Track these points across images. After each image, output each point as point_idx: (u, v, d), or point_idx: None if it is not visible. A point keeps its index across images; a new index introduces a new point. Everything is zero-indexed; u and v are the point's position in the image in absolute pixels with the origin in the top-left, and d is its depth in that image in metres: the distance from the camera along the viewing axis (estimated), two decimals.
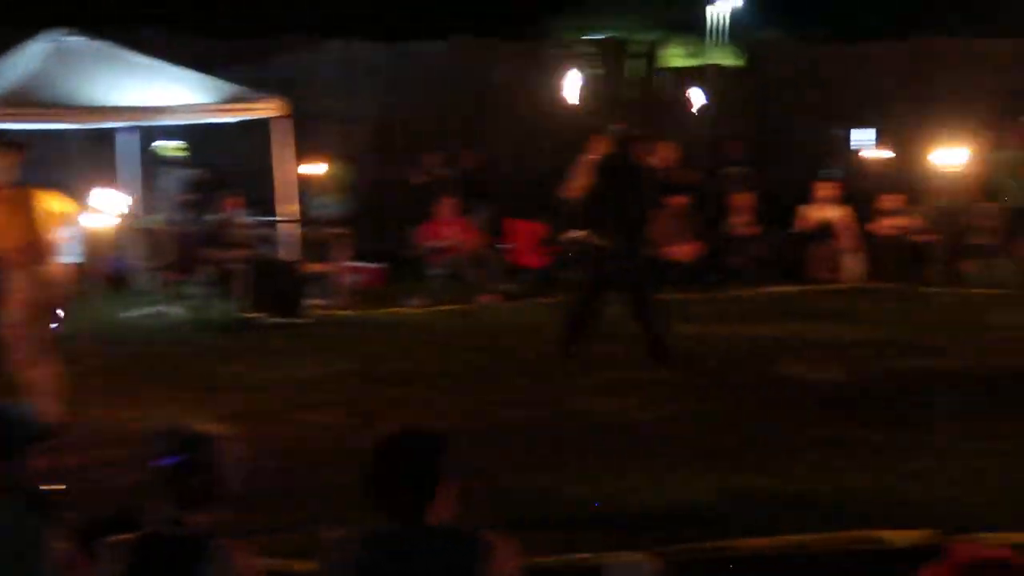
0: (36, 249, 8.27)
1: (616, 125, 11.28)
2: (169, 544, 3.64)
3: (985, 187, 16.44)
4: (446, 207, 15.30)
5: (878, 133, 19.61)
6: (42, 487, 4.58)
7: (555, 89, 19.81)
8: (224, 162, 17.76)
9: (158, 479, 3.73)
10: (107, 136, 15.42)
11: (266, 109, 14.86)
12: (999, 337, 11.58)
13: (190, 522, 3.69)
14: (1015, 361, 10.50)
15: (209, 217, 14.67)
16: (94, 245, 7.34)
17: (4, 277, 8.30)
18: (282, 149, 14.83)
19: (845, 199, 16.74)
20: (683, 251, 15.84)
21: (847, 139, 19.92)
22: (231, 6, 26.93)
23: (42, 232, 8.30)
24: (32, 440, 4.11)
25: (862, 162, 17.41)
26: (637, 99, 20.34)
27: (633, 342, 11.65)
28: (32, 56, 13.99)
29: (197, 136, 16.71)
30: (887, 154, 16.52)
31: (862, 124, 20.00)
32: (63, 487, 5.15)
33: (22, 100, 13.13)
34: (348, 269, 14.90)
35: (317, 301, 13.71)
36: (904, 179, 16.49)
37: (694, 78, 21.48)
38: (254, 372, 10.44)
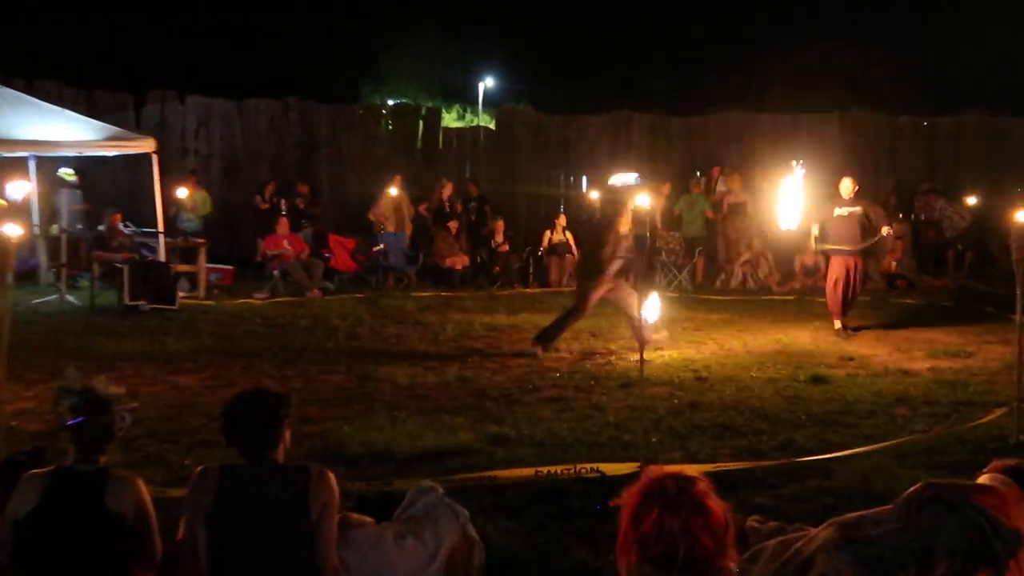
0: None
1: None
2: (79, 477, 3.62)
3: (670, 221, 17.17)
4: (282, 224, 15.22)
5: (588, 180, 20.06)
6: None
7: (361, 139, 19.85)
8: (108, 186, 17.25)
9: (70, 428, 3.70)
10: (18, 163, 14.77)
11: (139, 147, 14.52)
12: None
13: (93, 460, 3.68)
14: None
15: (99, 227, 14.23)
16: (7, 247, 7.15)
17: None
18: (151, 178, 14.49)
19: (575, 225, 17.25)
20: (456, 261, 16.08)
21: (579, 184, 20.33)
22: (116, 63, 26.04)
23: None
24: None
25: (589, 201, 17.84)
26: (421, 149, 20.37)
27: (418, 325, 11.80)
28: None
29: (90, 166, 16.13)
30: (596, 194, 17.03)
31: (580, 174, 20.43)
32: None
33: None
34: (208, 269, 14.60)
35: (184, 293, 13.41)
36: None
37: (465, 135, 21.72)
38: (135, 346, 10.14)
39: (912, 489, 4.29)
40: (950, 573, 4.03)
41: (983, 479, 4.45)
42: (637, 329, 10.62)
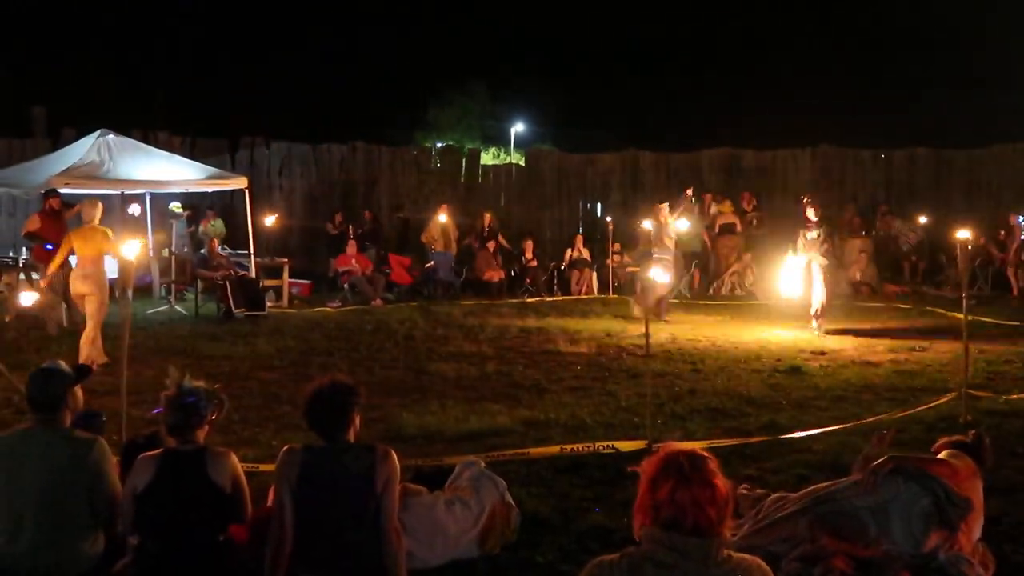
0: (102, 259, 9.15)
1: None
2: (184, 455, 3.65)
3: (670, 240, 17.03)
4: (350, 245, 15.28)
5: (603, 207, 19.93)
6: (88, 412, 4.43)
7: (415, 175, 19.89)
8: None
9: (173, 415, 3.73)
10: (137, 198, 14.98)
11: (234, 184, 14.64)
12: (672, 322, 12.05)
13: (190, 440, 3.71)
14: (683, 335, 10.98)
15: (201, 250, 14.35)
16: (129, 266, 7.33)
17: (88, 271, 9.08)
18: (244, 209, 14.61)
19: (591, 244, 17.17)
20: (493, 275, 16.07)
21: (595, 210, 20.22)
22: (214, 116, 26.33)
23: (106, 250, 9.19)
24: (71, 385, 3.90)
25: (605, 224, 17.72)
26: (465, 182, 20.36)
27: (462, 328, 11.79)
28: (85, 146, 13.56)
29: (194, 199, 16.29)
30: (609, 219, 16.98)
31: (596, 203, 20.32)
32: (103, 416, 4.99)
33: (81, 175, 12.69)
34: (290, 283, 14.68)
35: (271, 303, 13.48)
36: (626, 234, 16.89)
37: (500, 171, 21.69)
38: (231, 347, 10.19)
39: (877, 461, 4.24)
40: (907, 533, 3.99)
41: (942, 454, 4.38)
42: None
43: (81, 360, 8.68)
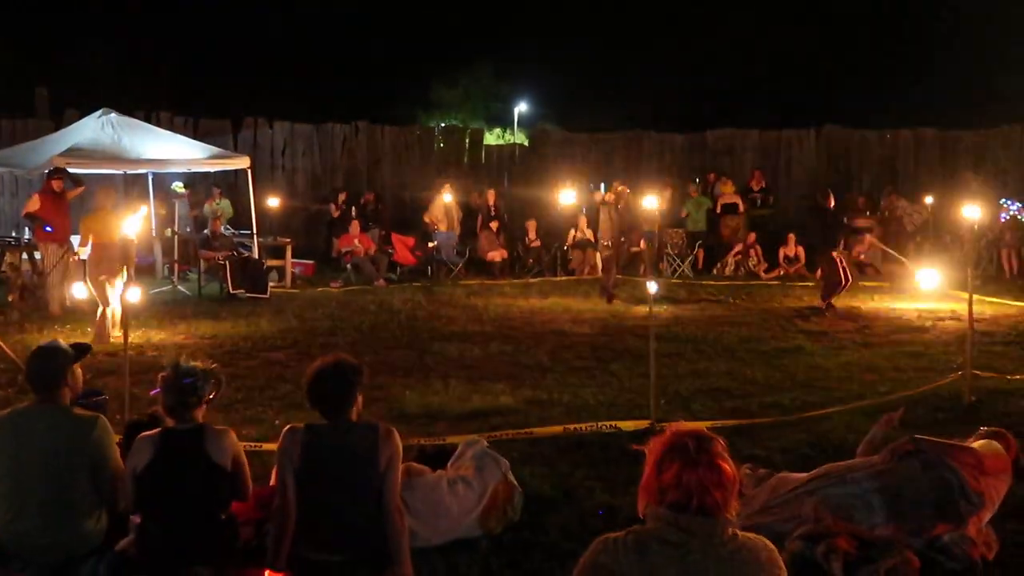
0: (116, 241, 9.28)
1: None
2: (182, 434, 3.65)
3: (675, 219, 16.98)
4: (353, 226, 15.23)
5: (606, 185, 19.77)
6: (90, 391, 4.40)
7: (418, 155, 19.79)
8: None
9: (171, 396, 3.70)
10: (139, 178, 14.93)
11: (236, 164, 14.56)
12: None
13: (188, 419, 3.69)
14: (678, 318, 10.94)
15: (204, 231, 14.33)
16: (130, 245, 7.43)
17: (103, 255, 9.25)
18: (247, 189, 14.56)
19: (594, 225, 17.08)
20: (496, 255, 16.04)
21: (599, 190, 20.07)
22: (217, 96, 26.19)
23: (119, 232, 9.26)
24: (71, 364, 3.85)
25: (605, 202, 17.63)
26: (468, 163, 20.25)
27: (465, 308, 11.77)
28: (89, 126, 13.48)
29: (197, 180, 16.24)
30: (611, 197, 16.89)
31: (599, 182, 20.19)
32: (104, 395, 4.95)
33: (84, 154, 12.63)
34: (293, 263, 14.65)
35: (274, 283, 13.46)
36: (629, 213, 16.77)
37: (504, 151, 21.59)
38: (234, 327, 10.19)
39: (899, 440, 4.17)
40: (915, 522, 3.94)
41: (977, 442, 4.29)
42: None
43: (114, 337, 8.84)
